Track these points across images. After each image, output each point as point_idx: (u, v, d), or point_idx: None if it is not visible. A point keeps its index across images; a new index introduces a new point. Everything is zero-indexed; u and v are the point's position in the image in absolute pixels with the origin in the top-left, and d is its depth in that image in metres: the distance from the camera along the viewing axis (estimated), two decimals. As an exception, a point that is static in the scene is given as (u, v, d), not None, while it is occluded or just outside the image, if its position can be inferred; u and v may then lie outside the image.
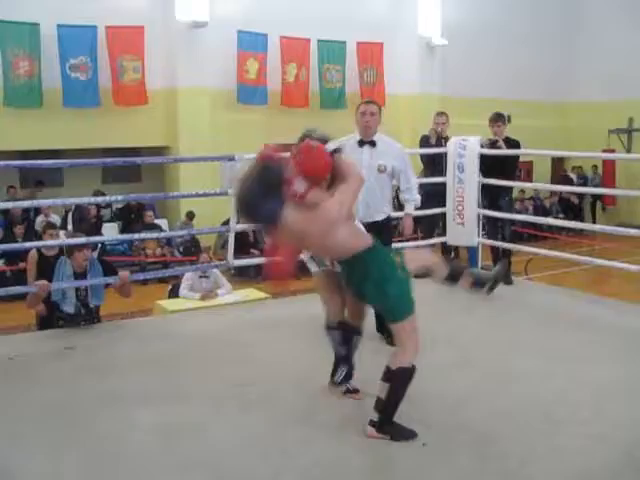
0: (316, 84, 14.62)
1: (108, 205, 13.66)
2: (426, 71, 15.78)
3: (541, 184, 14.30)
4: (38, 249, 5.56)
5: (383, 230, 4.85)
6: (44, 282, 5.13)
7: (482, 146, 6.91)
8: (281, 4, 13.76)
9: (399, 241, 6.82)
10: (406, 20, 15.62)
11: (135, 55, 12.49)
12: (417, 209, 5.50)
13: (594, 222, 16.82)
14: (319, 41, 14.46)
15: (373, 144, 4.89)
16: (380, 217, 4.92)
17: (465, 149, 6.92)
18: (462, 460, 3.30)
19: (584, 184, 17.80)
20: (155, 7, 12.89)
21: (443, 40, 15.65)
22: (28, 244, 6.15)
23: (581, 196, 18.18)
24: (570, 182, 17.63)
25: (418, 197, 5.26)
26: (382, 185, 4.92)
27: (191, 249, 12.31)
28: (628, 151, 17.48)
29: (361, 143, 4.90)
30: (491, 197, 6.97)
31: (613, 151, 16.62)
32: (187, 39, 12.88)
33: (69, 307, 5.29)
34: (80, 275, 5.32)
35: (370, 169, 4.80)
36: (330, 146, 3.50)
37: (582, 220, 16.28)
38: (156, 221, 13.19)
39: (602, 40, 17.70)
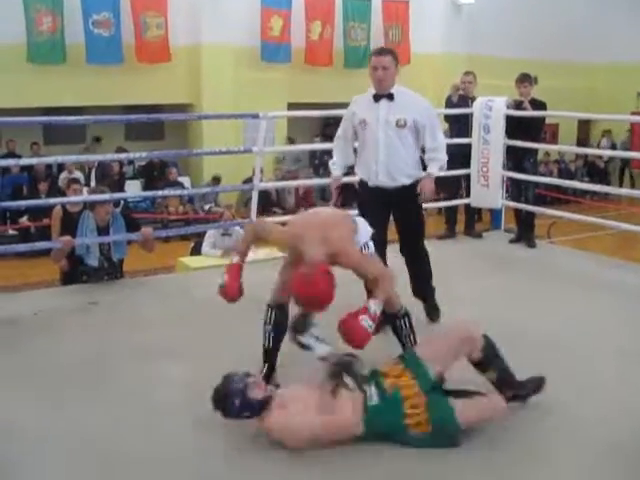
0: (340, 42, 14.48)
1: (130, 162, 13.71)
2: (452, 30, 15.52)
3: (567, 146, 14.06)
4: (62, 205, 5.60)
5: (414, 197, 4.40)
6: (68, 238, 5.17)
7: (507, 107, 6.81)
8: (306, -40, 13.54)
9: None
10: (433, -23, 15.34)
11: (158, 12, 12.43)
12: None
13: (621, 187, 16.56)
14: (344, -2, 14.28)
15: (391, 97, 4.33)
16: (407, 180, 4.38)
17: (491, 110, 6.81)
18: (484, 429, 3.17)
19: (612, 148, 17.48)
20: (178, -37, 12.73)
21: (470, -2, 15.40)
22: (52, 200, 6.21)
23: (608, 160, 17.91)
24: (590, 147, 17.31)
25: (445, 158, 4.48)
26: (404, 142, 4.34)
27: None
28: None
29: (377, 97, 4.35)
30: (515, 159, 6.87)
31: (642, 114, 16.31)
32: (211, -5, 12.74)
33: (93, 261, 5.33)
34: (103, 229, 5.35)
35: (388, 125, 4.30)
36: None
37: (608, 184, 16.04)
38: (179, 179, 13.22)
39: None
